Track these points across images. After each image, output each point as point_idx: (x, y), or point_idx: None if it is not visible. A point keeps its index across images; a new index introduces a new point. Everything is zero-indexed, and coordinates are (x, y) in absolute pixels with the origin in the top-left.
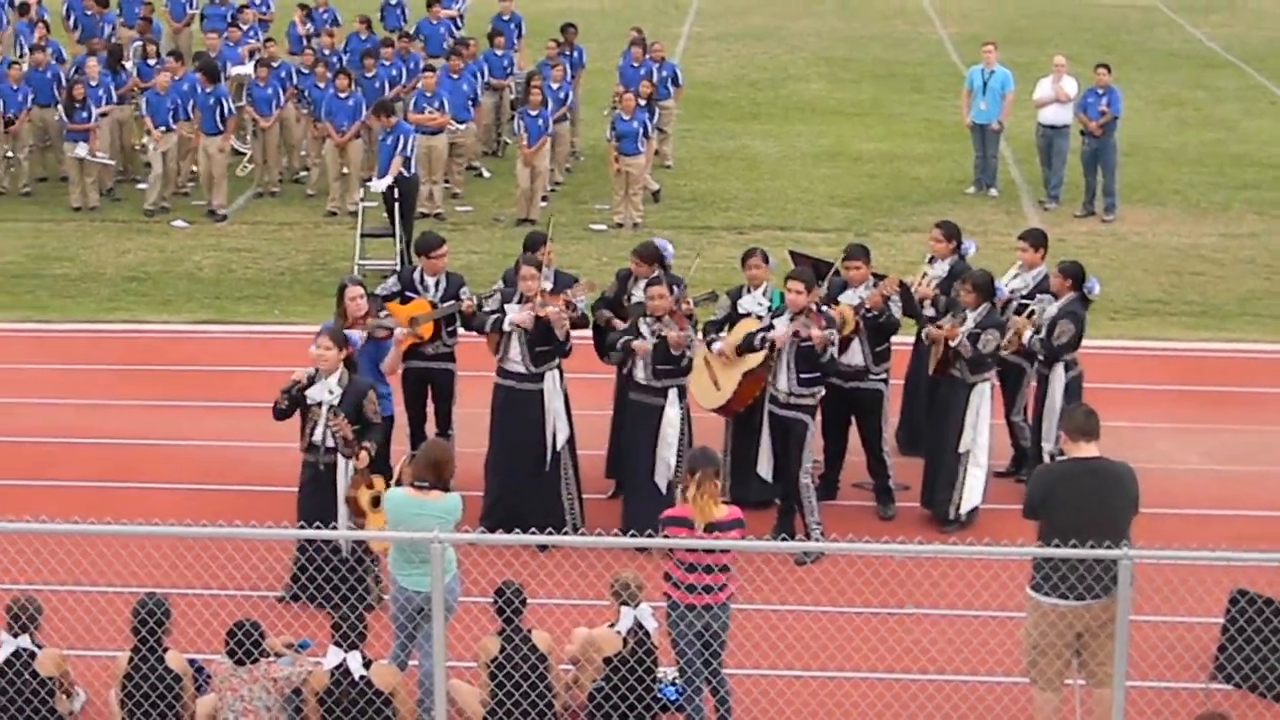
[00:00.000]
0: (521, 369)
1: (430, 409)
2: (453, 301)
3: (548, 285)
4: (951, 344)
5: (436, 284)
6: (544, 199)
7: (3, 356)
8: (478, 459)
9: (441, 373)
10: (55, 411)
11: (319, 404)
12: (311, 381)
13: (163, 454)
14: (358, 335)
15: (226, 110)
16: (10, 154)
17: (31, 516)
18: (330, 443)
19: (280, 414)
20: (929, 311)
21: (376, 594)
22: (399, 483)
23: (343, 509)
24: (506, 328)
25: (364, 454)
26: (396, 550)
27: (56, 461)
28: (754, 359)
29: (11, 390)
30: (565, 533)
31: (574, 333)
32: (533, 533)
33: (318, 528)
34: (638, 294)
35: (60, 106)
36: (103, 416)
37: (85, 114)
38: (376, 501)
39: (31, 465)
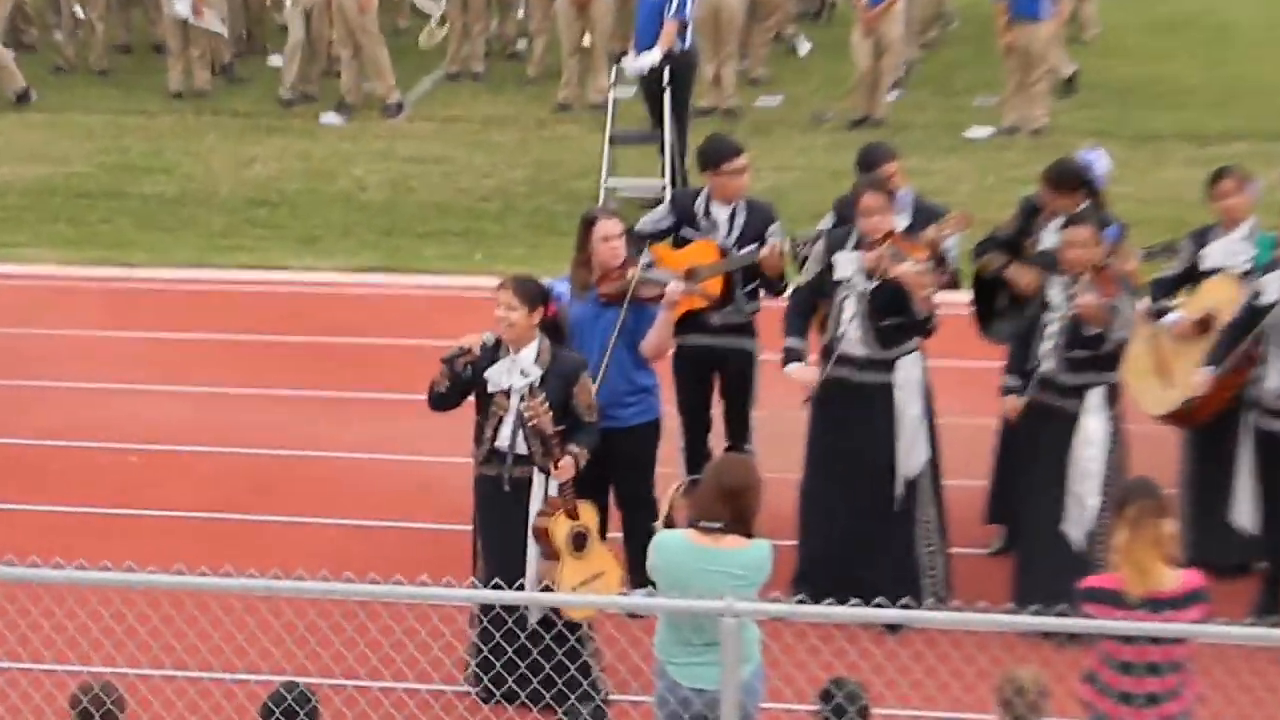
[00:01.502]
0: (860, 352)
1: (718, 409)
2: (754, 246)
3: (901, 222)
4: None
5: (730, 217)
6: (894, 87)
7: (67, 317)
8: (788, 489)
9: (735, 354)
10: (146, 404)
11: (504, 391)
12: (493, 356)
13: (300, 470)
14: (560, 289)
15: None
16: (79, 11)
17: (113, 563)
18: (522, 448)
19: (439, 400)
20: None
21: (606, 690)
22: (670, 523)
23: (532, 549)
24: (792, 369)
25: (566, 463)
26: (667, 627)
27: (150, 479)
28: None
29: (83, 370)
30: (925, 605)
31: (942, 297)
32: (876, 604)
33: (498, 582)
34: (1048, 237)
35: None
36: (214, 413)
37: None
38: (580, 542)
39: (115, 483)
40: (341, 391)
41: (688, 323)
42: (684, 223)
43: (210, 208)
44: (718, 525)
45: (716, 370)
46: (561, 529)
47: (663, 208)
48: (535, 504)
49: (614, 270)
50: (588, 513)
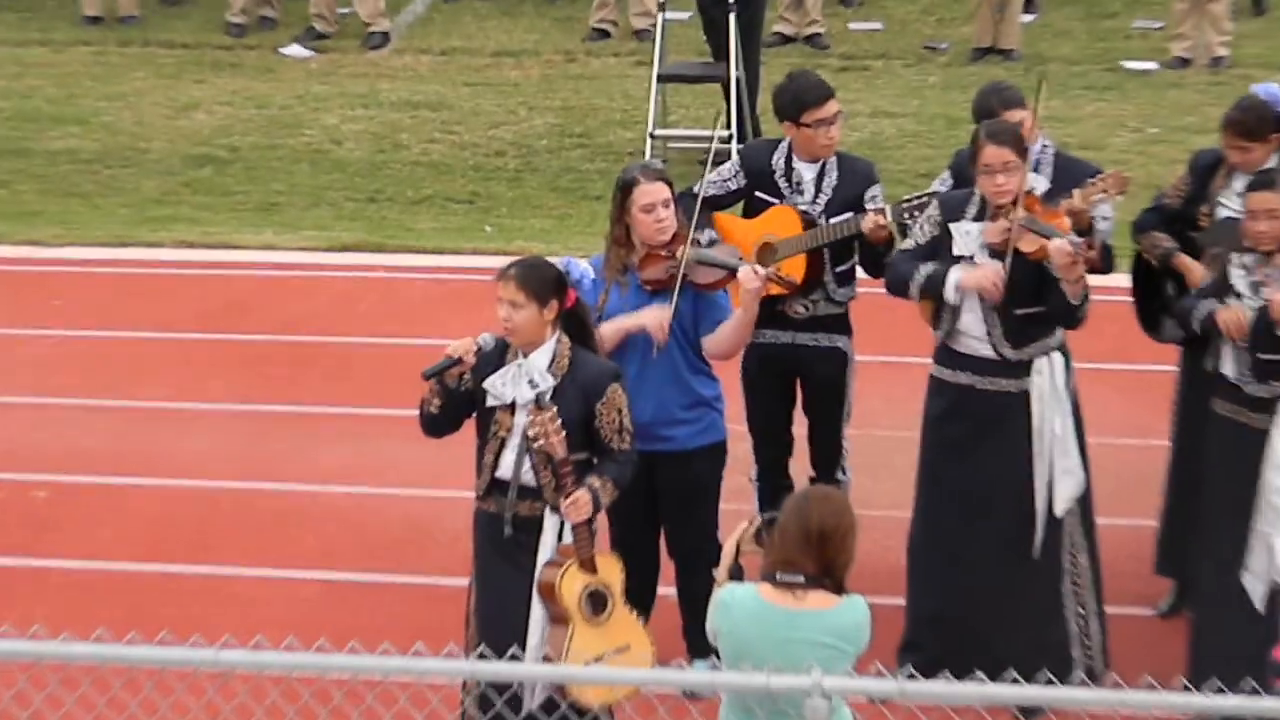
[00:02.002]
0: (986, 353)
1: (800, 427)
2: (848, 216)
3: (1038, 183)
4: None
5: (818, 178)
6: (1028, 8)
7: None
8: (893, 530)
9: (824, 356)
10: (57, 422)
11: (507, 407)
12: (498, 360)
13: (256, 508)
14: (582, 269)
15: None
16: None
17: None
18: (529, 478)
19: (433, 423)
20: None
21: None
22: (737, 572)
23: (537, 611)
24: (952, 290)
25: (580, 499)
26: (733, 710)
27: (61, 519)
28: None
29: None
30: (1073, 681)
31: (1093, 281)
32: (1009, 680)
33: (484, 652)
34: (1230, 204)
35: None
36: (145, 434)
37: None
38: (599, 604)
39: (16, 525)
40: (310, 406)
41: (762, 315)
42: (756, 185)
43: (139, 168)
44: (800, 579)
45: (799, 376)
46: (574, 585)
47: (728, 166)
48: (546, 553)
49: (662, 248)
50: (610, 567)
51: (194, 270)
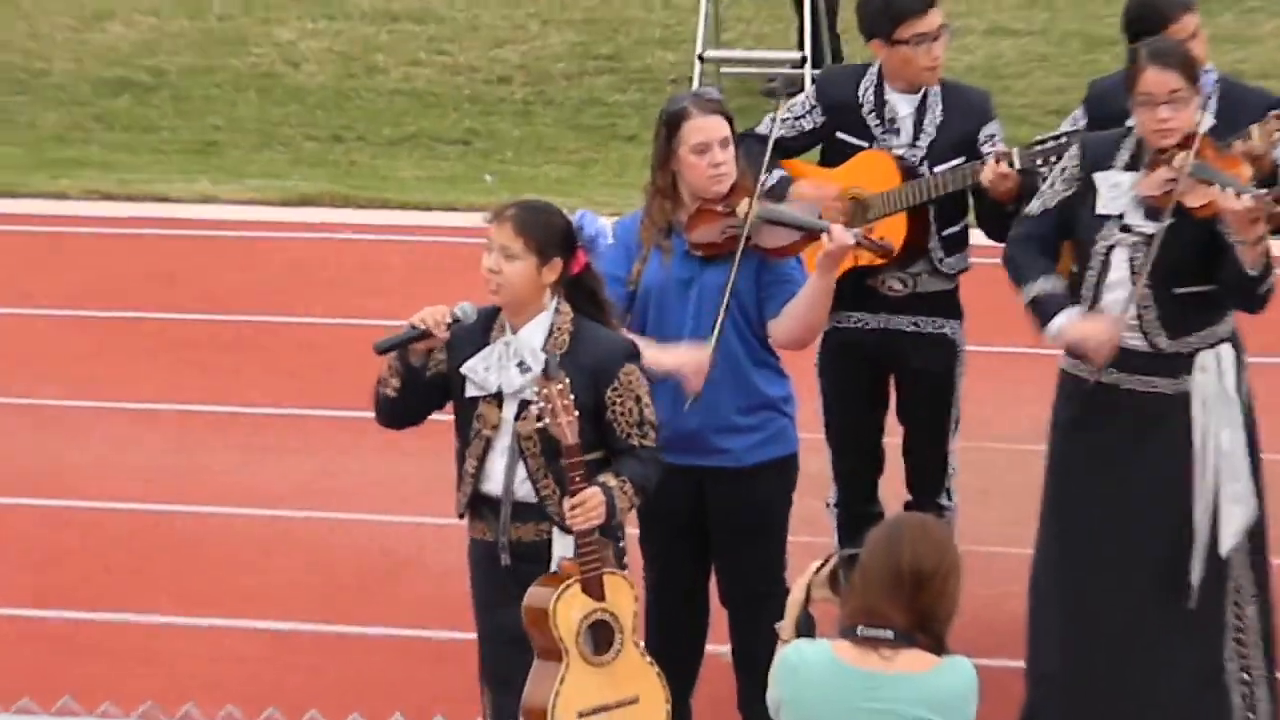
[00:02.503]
0: (1136, 343)
1: (893, 437)
2: (958, 162)
3: (1204, 120)
4: None
5: (917, 113)
6: None
7: None
8: (1013, 571)
9: (927, 345)
10: None
11: (491, 397)
12: (479, 339)
13: (189, 536)
14: (599, 225)
15: None
16: None
17: None
18: (526, 490)
19: (389, 408)
20: None
21: None
22: (806, 625)
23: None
24: (1052, 336)
25: (589, 497)
26: None
27: None
28: None
29: None
30: None
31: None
32: None
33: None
34: None
35: None
36: (44, 441)
37: None
38: (603, 639)
39: None
40: (255, 406)
41: (846, 293)
42: (838, 124)
43: (35, 96)
44: (888, 634)
45: (894, 372)
46: (572, 612)
47: (802, 97)
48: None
49: (718, 202)
50: (621, 592)
51: (106, 229)
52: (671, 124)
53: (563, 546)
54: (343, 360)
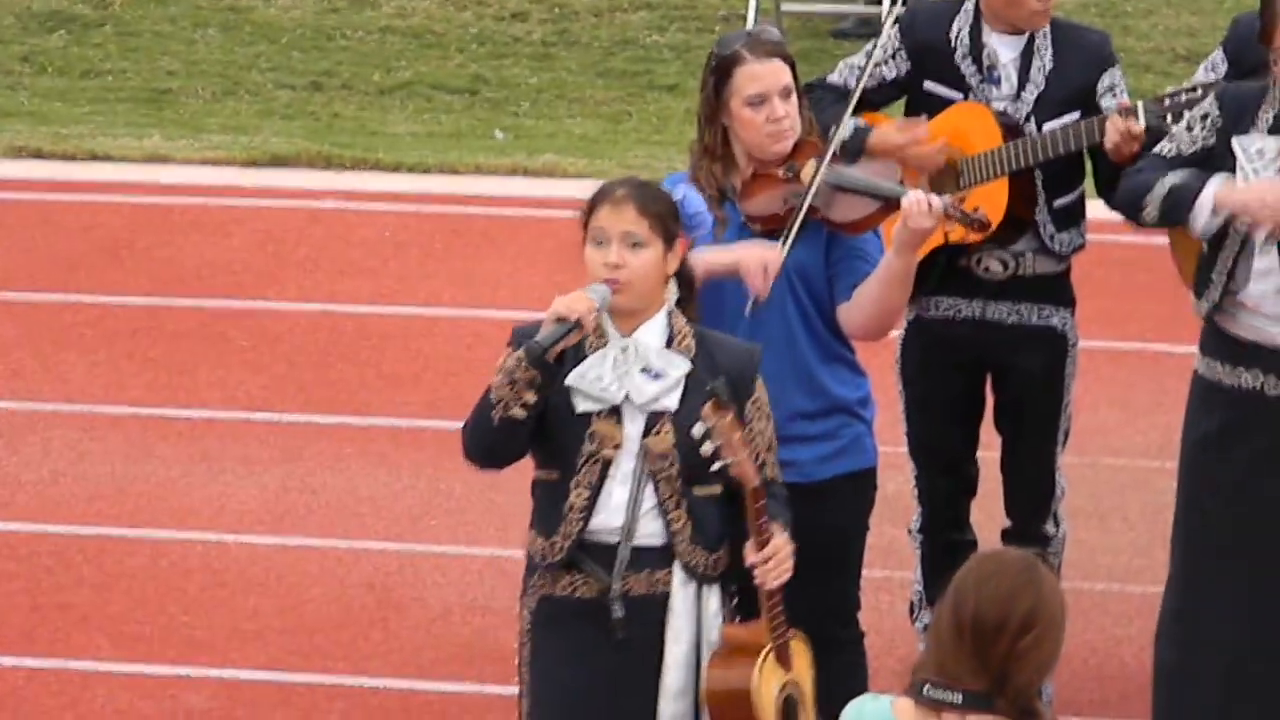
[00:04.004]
0: (1271, 312)
1: (989, 451)
2: (1073, 117)
3: None
4: None
5: (1023, 57)
6: None
7: None
8: (1134, 612)
9: (1031, 340)
10: None
11: (608, 412)
12: (573, 347)
13: (137, 565)
14: (699, 201)
15: None
16: None
17: None
18: (653, 530)
19: (506, 436)
20: None
21: None
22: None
23: None
24: (1206, 213)
25: (780, 546)
26: None
27: None
28: None
29: None
30: None
31: None
32: None
33: None
34: None
35: None
36: None
37: None
38: (791, 717)
39: None
40: (215, 409)
41: (933, 273)
42: (927, 71)
43: None
44: (955, 696)
45: (991, 371)
46: (772, 688)
47: (882, 42)
48: (680, 651)
49: (779, 164)
50: (802, 657)
51: (37, 194)
52: (721, 71)
53: (687, 608)
54: (321, 354)
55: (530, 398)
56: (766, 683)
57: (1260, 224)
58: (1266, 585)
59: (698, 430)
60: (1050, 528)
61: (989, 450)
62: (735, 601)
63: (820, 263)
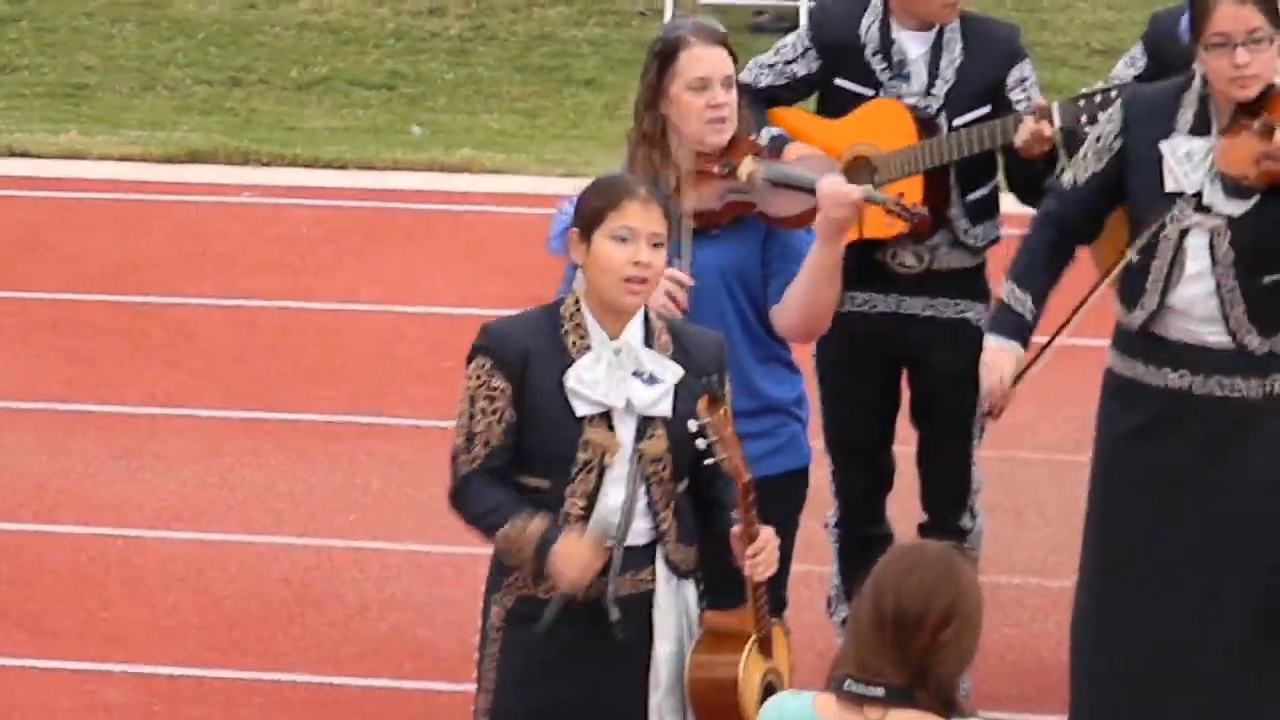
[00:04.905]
0: (1221, 339)
1: (905, 446)
2: (982, 113)
3: None
4: None
5: (932, 52)
6: None
7: None
8: (1051, 607)
9: (947, 334)
10: None
11: (601, 416)
12: (548, 345)
13: (45, 562)
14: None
15: None
16: None
17: None
18: (645, 526)
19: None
20: None
21: None
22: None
23: None
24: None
25: (767, 540)
26: None
27: None
28: None
29: None
30: None
31: None
32: None
33: None
34: None
35: None
36: None
37: None
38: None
39: None
40: (132, 405)
41: (848, 267)
42: (837, 68)
43: None
44: (877, 691)
45: (907, 365)
46: (756, 678)
47: (792, 38)
48: (667, 647)
49: (714, 161)
50: (782, 645)
51: None
52: (666, 54)
53: (672, 604)
54: (239, 350)
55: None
56: (751, 672)
57: (985, 397)
58: (1183, 577)
59: (693, 426)
60: (967, 522)
61: (905, 445)
62: (703, 589)
63: (757, 263)
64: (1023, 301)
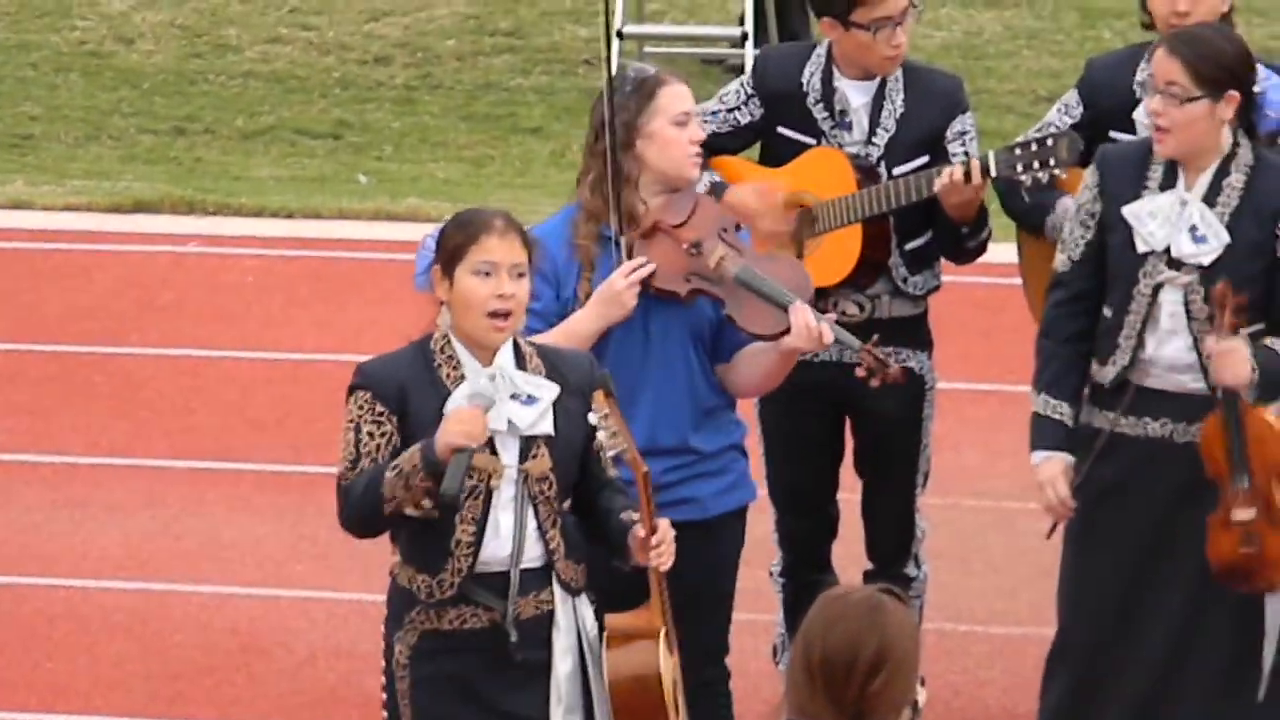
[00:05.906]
0: (1189, 385)
1: (850, 493)
2: (920, 163)
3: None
4: None
5: (874, 103)
6: None
7: None
8: (1006, 656)
9: (882, 382)
10: None
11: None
12: (419, 375)
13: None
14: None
15: None
16: None
17: None
18: (536, 552)
19: (387, 523)
20: None
21: None
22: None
23: None
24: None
25: (664, 530)
26: None
27: None
28: None
29: None
30: None
31: None
32: None
33: None
34: None
35: None
36: None
37: None
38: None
39: None
40: (76, 455)
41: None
42: (779, 117)
43: None
44: None
45: (849, 414)
46: (670, 669)
47: (736, 87)
48: (567, 666)
49: (684, 224)
50: (672, 640)
51: None
52: (646, 93)
53: (571, 624)
54: (184, 399)
55: (426, 503)
56: (666, 664)
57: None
58: (1131, 631)
59: (593, 418)
60: (912, 569)
61: (850, 492)
62: (595, 605)
63: (714, 320)
64: (1058, 408)
